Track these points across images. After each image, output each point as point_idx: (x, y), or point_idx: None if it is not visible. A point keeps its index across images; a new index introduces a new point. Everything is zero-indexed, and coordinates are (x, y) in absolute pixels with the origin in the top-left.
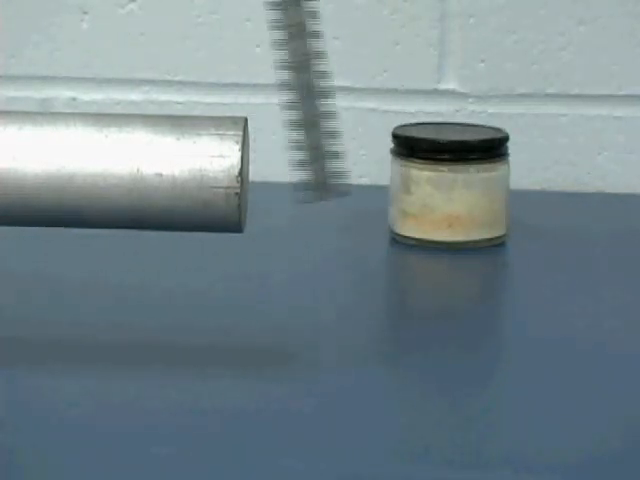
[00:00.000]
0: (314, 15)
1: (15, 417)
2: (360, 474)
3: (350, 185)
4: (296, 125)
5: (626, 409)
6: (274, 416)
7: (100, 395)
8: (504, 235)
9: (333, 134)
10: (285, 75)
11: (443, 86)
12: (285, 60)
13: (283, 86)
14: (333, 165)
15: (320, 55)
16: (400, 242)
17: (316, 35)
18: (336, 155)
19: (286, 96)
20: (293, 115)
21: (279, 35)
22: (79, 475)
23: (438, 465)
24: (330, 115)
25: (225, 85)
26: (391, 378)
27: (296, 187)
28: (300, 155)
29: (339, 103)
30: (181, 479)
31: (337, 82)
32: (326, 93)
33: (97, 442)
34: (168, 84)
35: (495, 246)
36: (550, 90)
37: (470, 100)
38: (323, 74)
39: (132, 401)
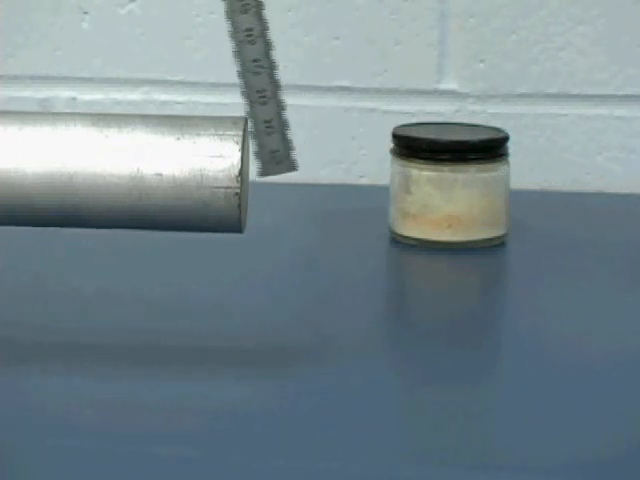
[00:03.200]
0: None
1: (15, 417)
2: (360, 474)
3: (297, 162)
4: (248, 101)
5: (626, 409)
6: (274, 416)
7: (100, 395)
8: (504, 235)
9: (283, 110)
10: (235, 50)
11: (443, 86)
12: (232, 34)
13: (235, 59)
14: (284, 140)
15: (267, 28)
16: (400, 242)
17: (262, 7)
18: (286, 129)
19: (237, 71)
20: (245, 92)
21: (227, 7)
22: (79, 475)
23: (438, 465)
24: (278, 88)
25: (225, 85)
26: (391, 378)
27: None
28: (253, 130)
29: (339, 103)
30: (181, 479)
31: (337, 82)
32: (273, 66)
33: (97, 442)
34: (168, 84)
35: (495, 246)
36: (550, 90)
37: (470, 100)
38: (270, 47)
39: (132, 401)
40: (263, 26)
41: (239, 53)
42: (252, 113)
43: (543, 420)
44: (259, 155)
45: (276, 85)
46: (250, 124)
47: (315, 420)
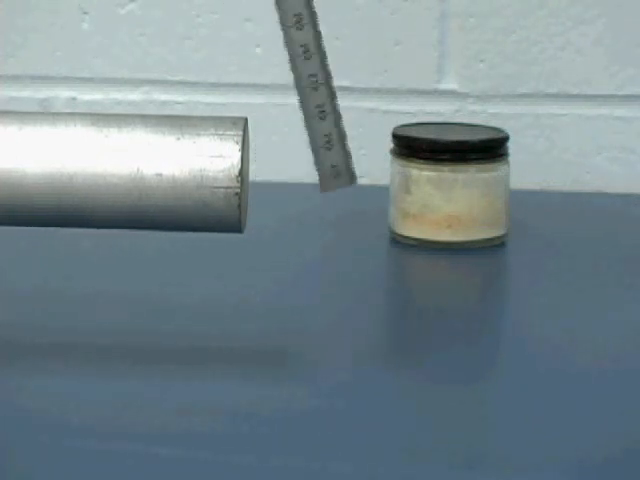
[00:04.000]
0: (311, 6)
1: (15, 417)
2: (360, 473)
3: (357, 176)
4: (309, 115)
5: (626, 409)
6: (274, 416)
7: (100, 395)
8: (504, 235)
9: (341, 126)
10: (293, 66)
11: (443, 86)
12: (288, 49)
13: (294, 77)
14: (343, 154)
15: (321, 43)
16: (400, 242)
17: (317, 21)
18: (344, 145)
19: (297, 86)
20: (303, 105)
21: (281, 22)
22: (79, 475)
23: (438, 465)
24: (337, 106)
25: (225, 85)
26: (391, 378)
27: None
28: (313, 144)
29: (339, 103)
30: (181, 479)
31: (337, 82)
32: (330, 79)
33: (97, 442)
34: (168, 84)
35: (495, 246)
36: (550, 90)
37: (470, 100)
38: (328, 67)
39: (132, 401)
40: (318, 41)
41: (295, 68)
42: (311, 128)
43: (543, 420)
44: (319, 170)
45: (333, 98)
46: (309, 140)
47: (315, 420)
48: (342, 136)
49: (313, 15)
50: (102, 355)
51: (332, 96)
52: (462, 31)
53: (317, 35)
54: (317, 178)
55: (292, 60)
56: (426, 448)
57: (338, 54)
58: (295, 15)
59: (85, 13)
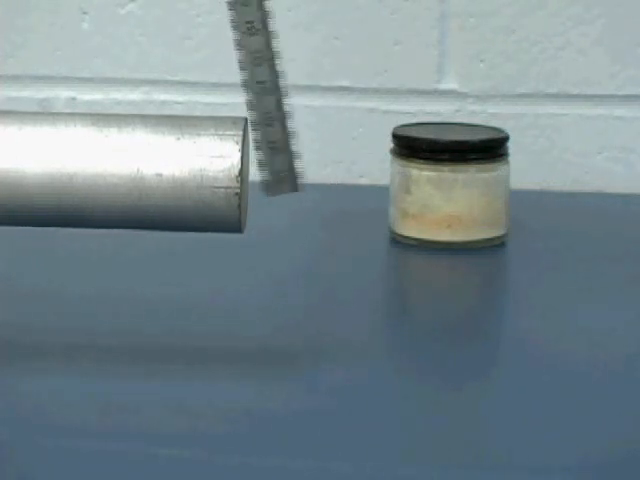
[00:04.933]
0: (268, 13)
1: (15, 417)
2: (360, 473)
3: (304, 182)
4: (254, 121)
5: (626, 409)
6: (275, 416)
7: (101, 396)
8: (504, 235)
9: (290, 131)
10: (243, 73)
11: (443, 86)
12: (241, 58)
13: (242, 84)
14: (290, 160)
15: (276, 53)
16: (400, 242)
17: (271, 33)
18: (293, 151)
19: (245, 94)
20: (251, 112)
21: (235, 33)
22: (79, 475)
23: (438, 465)
24: (287, 111)
25: (225, 85)
26: (391, 378)
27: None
28: (258, 151)
29: (339, 103)
30: (181, 479)
31: (337, 82)
32: (283, 90)
33: (97, 442)
34: (168, 84)
35: (495, 246)
36: (550, 90)
37: (470, 100)
38: (278, 72)
39: (132, 401)
40: (269, 48)
41: (249, 74)
42: (259, 133)
43: (543, 420)
44: (265, 175)
45: (280, 103)
46: (255, 143)
47: (315, 420)
48: (288, 143)
49: (265, 20)
50: (102, 355)
51: (279, 102)
52: (462, 31)
53: (268, 41)
54: (313, 178)
55: (243, 65)
56: (426, 448)
57: (338, 54)
58: (247, 22)
59: (85, 13)
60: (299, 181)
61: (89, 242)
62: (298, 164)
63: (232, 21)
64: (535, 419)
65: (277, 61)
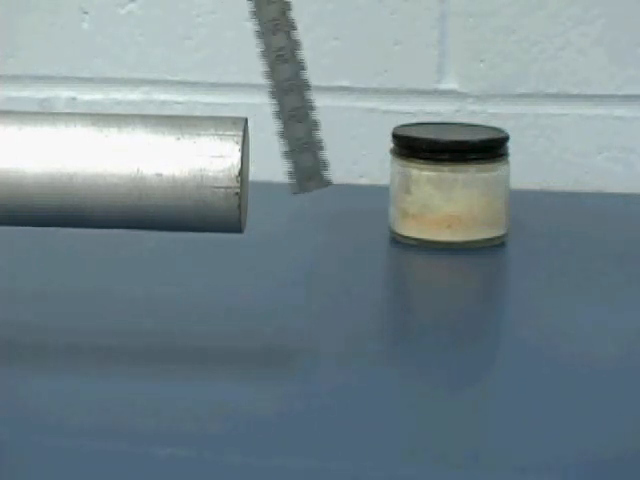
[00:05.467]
0: (289, 8)
1: (15, 417)
2: (360, 473)
3: (331, 177)
4: (280, 118)
5: (626, 409)
6: (274, 416)
7: (101, 396)
8: (504, 235)
9: (316, 126)
10: (266, 69)
11: (443, 86)
12: (264, 54)
13: (266, 80)
14: (317, 157)
15: (298, 47)
16: (400, 242)
17: (293, 27)
18: (319, 147)
19: (269, 90)
20: (276, 108)
21: (257, 29)
22: (79, 475)
23: (438, 465)
24: (312, 107)
25: (225, 85)
26: (391, 378)
27: (287, 178)
28: (285, 147)
29: (339, 103)
30: (181, 479)
31: (337, 82)
32: (306, 85)
33: (97, 442)
34: (168, 84)
35: (495, 246)
36: (550, 90)
37: (470, 100)
38: (302, 66)
39: (132, 401)
40: (294, 45)
41: (271, 72)
42: (286, 131)
43: (543, 420)
44: (293, 172)
45: (308, 103)
46: (283, 143)
47: (315, 420)
48: (316, 143)
49: (289, 21)
50: (102, 355)
51: (308, 99)
52: (462, 31)
53: (293, 42)
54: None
55: (268, 64)
56: (426, 448)
57: (338, 54)
58: (272, 20)
59: (85, 13)
60: (326, 178)
61: (89, 242)
62: (324, 160)
63: (253, 16)
64: (535, 419)
65: (299, 57)
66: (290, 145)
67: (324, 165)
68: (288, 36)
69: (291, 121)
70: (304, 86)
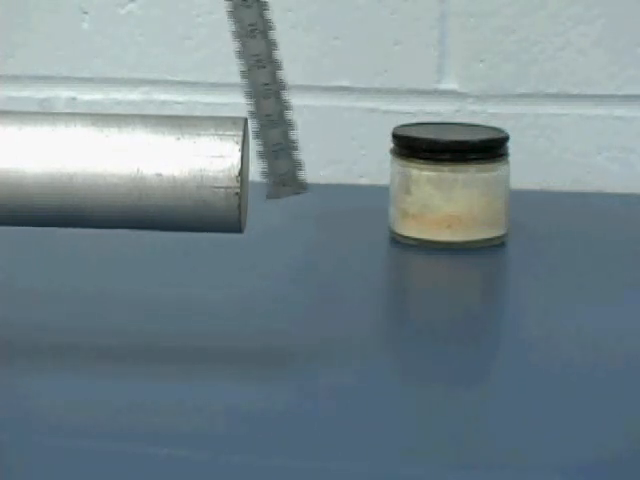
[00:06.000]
0: (266, 15)
1: (15, 417)
2: (360, 473)
3: (307, 182)
4: (256, 123)
5: (626, 409)
6: (274, 416)
7: (102, 396)
8: (504, 235)
9: (291, 127)
10: (242, 75)
11: (443, 86)
12: (240, 61)
13: (242, 87)
14: (292, 160)
15: (275, 49)
16: (400, 242)
17: (269, 32)
18: (294, 148)
19: (246, 97)
20: (253, 115)
21: (233, 35)
22: (79, 475)
23: (438, 465)
24: (288, 108)
25: (225, 85)
26: (391, 378)
27: (264, 183)
28: (261, 152)
29: (339, 103)
30: (181, 479)
31: (337, 82)
32: (283, 88)
33: (97, 442)
34: (168, 84)
35: (495, 246)
36: (550, 90)
37: (470, 100)
38: (279, 68)
39: (132, 401)
40: (271, 48)
41: (249, 76)
42: (261, 135)
43: (543, 420)
44: (268, 178)
45: (284, 106)
46: (259, 146)
47: (315, 420)
48: (291, 145)
49: (266, 25)
50: (102, 355)
51: (283, 105)
52: (462, 31)
53: (270, 45)
54: (313, 178)
55: (245, 69)
56: (426, 448)
57: (338, 54)
58: (250, 25)
59: (85, 13)
60: (302, 184)
61: (89, 242)
62: (299, 167)
63: (231, 23)
64: (535, 419)
65: (277, 65)
66: (265, 149)
67: (299, 166)
68: (265, 39)
69: (267, 126)
70: (281, 90)
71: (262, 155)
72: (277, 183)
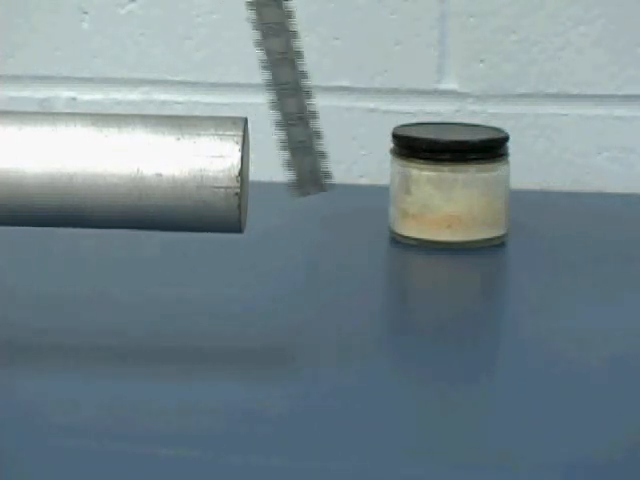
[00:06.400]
0: (290, 14)
1: (15, 417)
2: (359, 473)
3: (333, 181)
4: (280, 122)
5: (626, 409)
6: (274, 416)
7: (100, 396)
8: (504, 235)
9: (316, 131)
10: (266, 73)
11: (443, 86)
12: (264, 59)
13: (266, 84)
14: (316, 161)
15: (299, 53)
16: (400, 242)
17: (294, 34)
18: (319, 151)
19: (269, 94)
20: (276, 112)
21: (257, 34)
22: (79, 475)
23: (438, 465)
24: (312, 112)
25: (225, 85)
26: (391, 378)
27: (287, 183)
28: (285, 151)
29: (339, 103)
30: (181, 479)
31: (337, 82)
32: (306, 90)
33: (97, 442)
34: (168, 84)
35: (495, 246)
36: (550, 90)
37: (470, 100)
38: (303, 72)
39: (133, 402)
40: (294, 53)
41: (271, 74)
42: (287, 133)
43: (542, 420)
44: (293, 175)
45: (309, 103)
46: (285, 145)
47: (315, 420)
48: (317, 142)
49: (289, 23)
50: (102, 355)
51: (302, 102)
52: (462, 31)
53: (293, 47)
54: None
55: (268, 66)
56: (426, 448)
57: (338, 54)
58: (267, 24)
59: (85, 13)
60: (326, 181)
61: (89, 242)
62: (324, 164)
63: (252, 22)
64: (535, 419)
65: (299, 61)
66: (291, 147)
67: (323, 169)
68: (289, 41)
69: (293, 123)
70: (306, 91)
71: (286, 151)
72: (302, 181)
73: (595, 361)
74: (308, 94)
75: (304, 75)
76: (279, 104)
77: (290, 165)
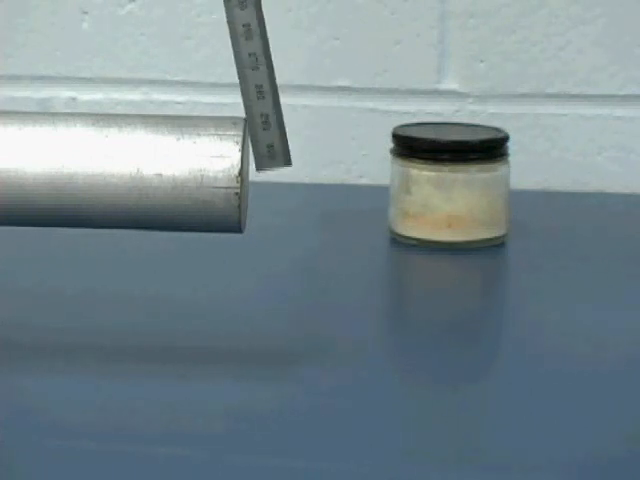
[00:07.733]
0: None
1: (15, 417)
2: (359, 473)
3: (290, 156)
4: (245, 95)
5: (626, 409)
6: (274, 416)
7: (101, 396)
8: (504, 235)
9: (277, 106)
10: (234, 44)
11: (443, 86)
12: (231, 29)
13: (234, 56)
14: (279, 135)
15: (263, 25)
16: (400, 242)
17: (259, 5)
18: (281, 126)
19: (236, 66)
20: (242, 85)
21: (224, 4)
22: (79, 475)
23: (438, 465)
24: (274, 86)
25: (225, 85)
26: (391, 378)
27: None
28: (249, 124)
29: (339, 103)
30: (181, 479)
31: (337, 82)
32: (270, 64)
33: (97, 442)
34: (168, 84)
35: (495, 246)
36: (550, 90)
37: (470, 100)
38: (266, 45)
39: (133, 401)
40: (260, 21)
41: (237, 52)
42: (249, 108)
43: (543, 420)
44: (254, 149)
45: (273, 80)
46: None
47: (315, 420)
48: (280, 117)
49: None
50: (102, 355)
51: (271, 76)
52: (462, 31)
53: (260, 17)
54: (313, 178)
55: (233, 40)
56: (426, 448)
57: (338, 54)
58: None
59: (85, 13)
60: (288, 156)
61: (89, 242)
62: (285, 139)
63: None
64: (535, 419)
65: (264, 34)
66: (252, 122)
67: (286, 143)
68: (255, 11)
69: (255, 98)
70: (269, 62)
71: (250, 127)
72: (264, 155)
73: (595, 360)
74: (271, 68)
75: (267, 48)
76: (242, 77)
77: (253, 139)
